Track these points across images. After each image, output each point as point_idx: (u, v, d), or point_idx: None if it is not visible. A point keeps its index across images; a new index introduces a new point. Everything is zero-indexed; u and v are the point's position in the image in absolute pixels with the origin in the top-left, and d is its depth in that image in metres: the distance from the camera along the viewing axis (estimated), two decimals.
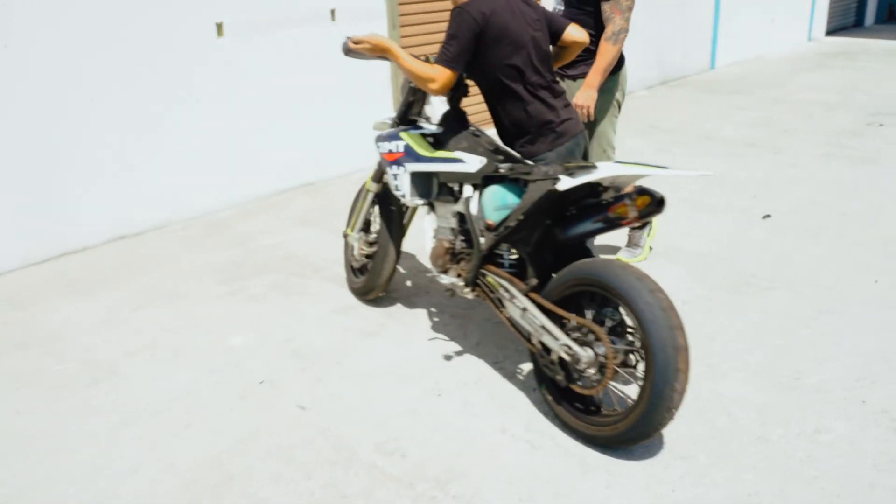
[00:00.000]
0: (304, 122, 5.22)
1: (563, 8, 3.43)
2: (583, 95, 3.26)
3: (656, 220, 4.00)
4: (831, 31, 12.12)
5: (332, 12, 5.20)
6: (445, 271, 2.95)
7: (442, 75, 2.62)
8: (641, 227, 3.89)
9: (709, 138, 6.23)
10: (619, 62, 3.46)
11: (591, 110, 3.27)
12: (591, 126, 3.46)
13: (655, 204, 2.26)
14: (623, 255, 3.87)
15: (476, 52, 2.64)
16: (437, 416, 2.64)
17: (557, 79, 2.85)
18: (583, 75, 3.34)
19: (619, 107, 3.58)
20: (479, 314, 3.38)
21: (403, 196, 3.00)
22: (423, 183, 2.97)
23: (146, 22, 4.30)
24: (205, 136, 4.72)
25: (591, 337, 2.36)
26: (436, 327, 3.29)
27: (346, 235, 3.58)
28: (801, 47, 11.12)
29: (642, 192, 2.28)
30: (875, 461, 2.31)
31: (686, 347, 2.17)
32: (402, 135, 2.96)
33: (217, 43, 4.64)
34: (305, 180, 5.34)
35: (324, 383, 2.87)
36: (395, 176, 3.00)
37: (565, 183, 2.30)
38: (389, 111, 5.69)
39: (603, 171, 2.29)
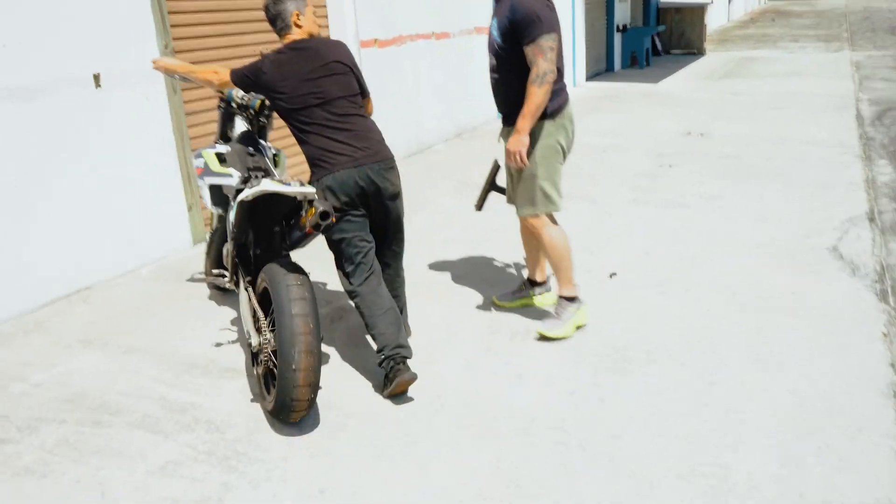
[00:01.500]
0: (68, 211, 4.19)
1: (493, 59, 3.36)
2: (512, 141, 3.23)
3: (585, 308, 3.61)
4: (590, 77, 13.07)
5: (96, 77, 4.25)
6: None
7: (223, 73, 3.18)
8: (570, 300, 3.52)
9: None
10: (560, 105, 3.35)
11: (523, 156, 3.24)
12: (521, 170, 3.38)
13: (319, 216, 2.70)
14: (541, 327, 3.50)
15: (267, 96, 3.09)
16: None
17: (349, 116, 3.08)
18: None
19: (562, 153, 3.43)
20: (341, 448, 2.73)
21: (206, 204, 3.40)
22: (217, 194, 3.36)
23: None
24: None
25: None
26: (299, 478, 2.58)
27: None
28: (570, 92, 11.79)
29: (311, 204, 2.76)
30: None
31: (303, 333, 2.59)
32: (203, 153, 3.38)
33: None
34: (79, 284, 4.27)
35: None
36: (200, 187, 3.41)
37: (241, 195, 2.84)
38: (179, 194, 4.83)
39: (262, 186, 2.76)
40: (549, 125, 3.33)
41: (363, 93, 3.22)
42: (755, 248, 4.61)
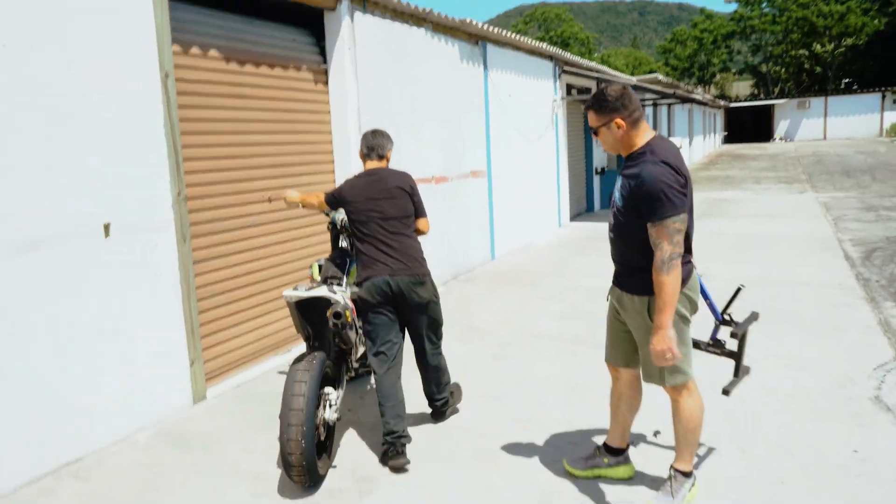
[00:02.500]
0: (56, 370, 3.81)
1: (612, 217, 3.15)
2: (658, 340, 2.92)
3: (698, 484, 3.34)
4: (574, 217, 13.32)
5: (106, 227, 4.02)
6: None
7: (322, 196, 4.05)
8: (686, 475, 3.25)
9: (533, 335, 5.89)
10: (683, 278, 3.06)
11: (675, 352, 2.91)
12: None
13: (333, 315, 3.53)
14: (653, 500, 3.22)
15: (344, 208, 3.92)
16: None
17: (397, 234, 3.83)
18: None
19: (688, 321, 3.14)
20: None
21: None
22: None
23: None
24: None
25: None
26: None
27: None
28: (557, 232, 11.92)
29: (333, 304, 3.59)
30: None
31: (294, 409, 3.29)
32: (313, 264, 4.07)
33: None
34: (68, 456, 3.81)
35: None
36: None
37: (285, 296, 3.67)
38: (182, 347, 4.49)
39: (294, 292, 3.62)
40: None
41: (418, 213, 3.95)
42: (792, 400, 4.39)
